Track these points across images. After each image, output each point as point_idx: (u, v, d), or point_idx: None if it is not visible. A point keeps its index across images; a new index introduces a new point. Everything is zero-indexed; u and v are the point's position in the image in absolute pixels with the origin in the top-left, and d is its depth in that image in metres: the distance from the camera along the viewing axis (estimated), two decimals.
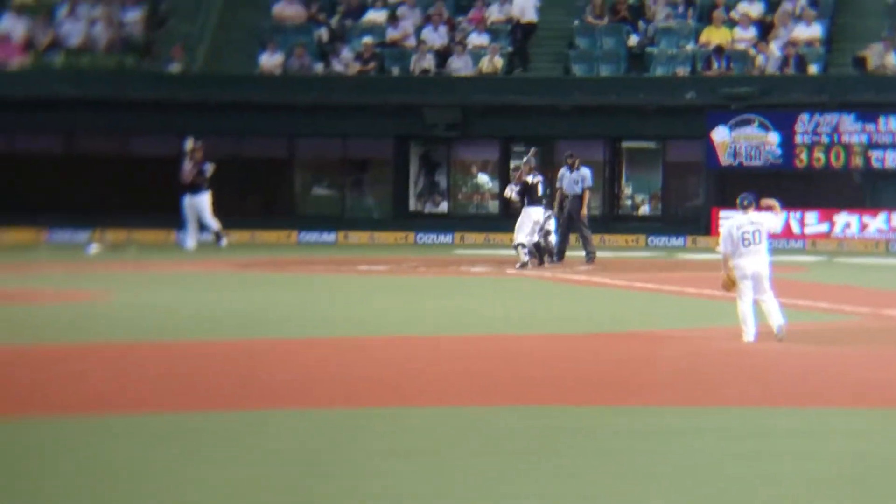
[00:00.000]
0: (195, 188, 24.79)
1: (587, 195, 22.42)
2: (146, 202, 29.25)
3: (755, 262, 12.60)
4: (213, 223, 24.99)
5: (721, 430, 8.74)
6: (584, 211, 22.34)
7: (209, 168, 24.91)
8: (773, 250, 13.38)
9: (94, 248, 25.09)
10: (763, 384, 10.77)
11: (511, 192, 21.57)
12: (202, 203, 24.77)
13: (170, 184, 25.91)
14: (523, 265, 21.01)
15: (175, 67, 30.76)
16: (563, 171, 22.65)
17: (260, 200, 30.48)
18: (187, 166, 25.02)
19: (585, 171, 22.57)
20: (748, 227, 12.65)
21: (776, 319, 12.60)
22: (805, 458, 7.90)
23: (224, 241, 25.08)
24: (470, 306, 16.50)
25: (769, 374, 11.30)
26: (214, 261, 22.93)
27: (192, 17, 31.61)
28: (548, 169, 25.88)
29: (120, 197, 29.75)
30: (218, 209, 25.46)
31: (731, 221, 12.97)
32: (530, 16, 30.34)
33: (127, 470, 7.46)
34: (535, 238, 21.19)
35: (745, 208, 12.77)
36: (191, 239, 25.44)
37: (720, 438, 8.47)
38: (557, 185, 22.55)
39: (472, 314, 15.53)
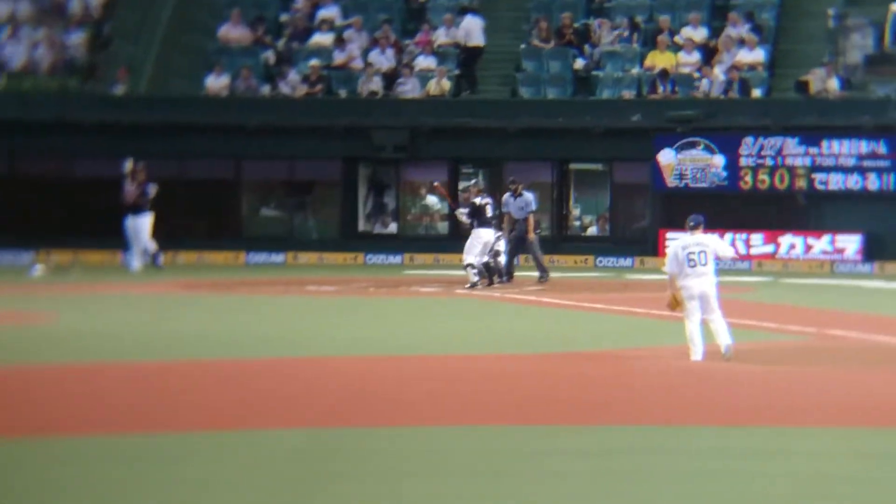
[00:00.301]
0: (137, 209, 24.80)
1: (531, 219, 22.49)
2: (91, 224, 28.96)
3: (701, 283, 12.69)
4: (151, 245, 24.99)
5: (675, 450, 8.78)
6: (532, 235, 22.43)
7: (152, 189, 24.88)
8: (720, 271, 13.49)
9: (39, 270, 24.80)
10: (714, 403, 10.85)
11: (461, 214, 21.66)
12: (143, 224, 24.81)
13: (114, 205, 25.69)
14: (473, 285, 21.05)
15: (119, 89, 30.53)
16: (506, 197, 22.74)
17: (207, 222, 30.28)
18: (129, 187, 24.98)
19: (529, 196, 22.70)
20: (694, 248, 12.75)
21: (724, 339, 12.70)
22: (759, 478, 7.95)
23: (160, 260, 25.03)
24: (421, 326, 16.48)
25: (719, 393, 11.38)
26: (161, 282, 22.74)
27: (137, 39, 31.42)
28: (496, 190, 25.96)
29: (64, 219, 29.45)
30: (165, 231, 25.30)
31: (677, 242, 13.08)
32: (477, 39, 30.50)
33: (85, 492, 7.35)
34: (485, 258, 21.26)
35: (692, 229, 12.88)
36: (136, 260, 25.27)
37: (675, 457, 8.50)
38: (504, 209, 22.65)
39: (424, 334, 15.51)
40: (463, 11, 30.72)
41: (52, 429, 9.26)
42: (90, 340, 14.32)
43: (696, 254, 12.71)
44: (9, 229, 29.09)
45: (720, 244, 13.08)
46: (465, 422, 9.67)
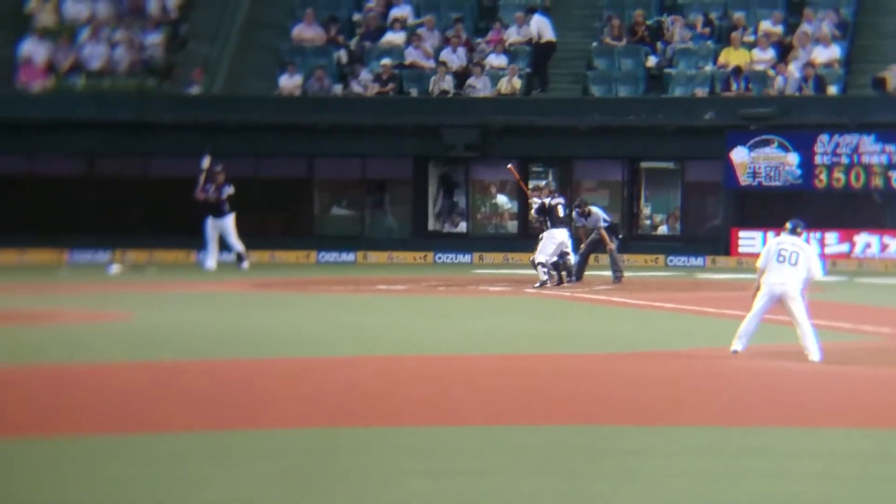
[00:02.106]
0: (218, 211, 25.08)
1: (604, 234, 22.29)
2: (166, 223, 29.39)
3: (784, 283, 12.41)
4: (238, 245, 25.29)
5: (743, 450, 8.72)
6: (611, 245, 22.32)
7: (228, 190, 25.15)
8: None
9: (115, 269, 25.23)
10: (784, 404, 10.74)
11: (533, 203, 21.64)
12: (227, 225, 25.11)
13: (189, 204, 26.04)
14: (542, 284, 21.04)
15: (195, 89, 30.95)
16: (575, 216, 22.61)
17: (279, 221, 30.58)
18: (207, 186, 25.20)
19: (598, 213, 22.61)
20: (788, 246, 12.53)
21: (812, 355, 12.46)
22: (823, 479, 7.88)
23: (245, 264, 25.30)
24: (490, 325, 16.51)
25: (791, 394, 11.27)
26: (234, 281, 23.02)
27: (212, 40, 31.83)
28: (566, 188, 25.86)
29: (140, 217, 29.92)
30: (238, 230, 25.59)
31: (775, 238, 12.93)
32: (549, 36, 30.44)
33: (152, 488, 7.48)
34: (554, 258, 21.24)
35: (794, 233, 12.66)
36: (211, 259, 25.60)
37: (742, 458, 8.45)
38: (577, 225, 22.57)
39: (493, 333, 15.53)
40: (531, 10, 30.65)
41: (133, 426, 9.43)
42: (168, 338, 14.55)
43: (788, 252, 12.48)
44: (87, 228, 29.64)
45: (815, 260, 12.69)
46: (534, 421, 9.68)
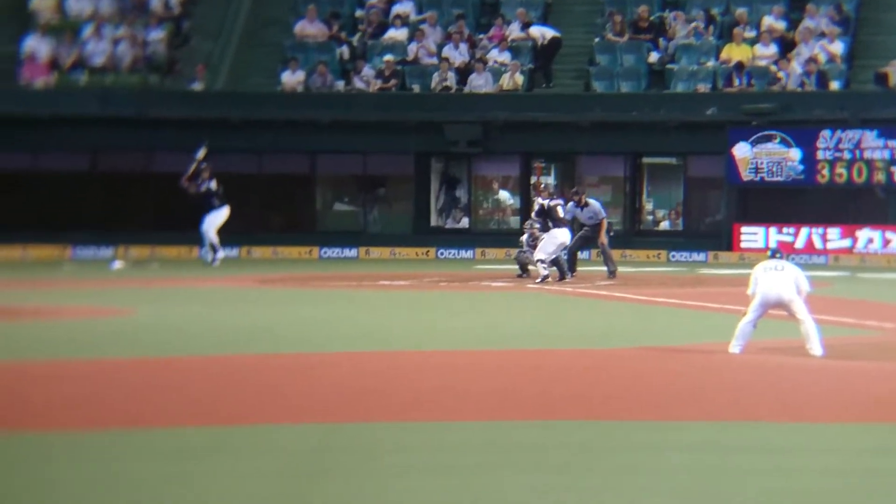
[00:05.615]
0: (208, 205, 25.24)
1: (604, 224, 22.36)
2: (169, 219, 29.44)
3: (776, 287, 12.49)
4: (214, 238, 25.35)
5: (745, 445, 8.75)
6: (604, 239, 22.35)
7: (209, 185, 25.30)
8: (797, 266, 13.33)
9: (118, 265, 25.28)
10: (787, 399, 10.77)
11: (530, 224, 21.69)
12: (215, 218, 25.17)
13: (193, 200, 26.09)
14: (544, 279, 21.08)
15: (198, 85, 30.97)
16: (571, 206, 22.59)
17: (282, 216, 30.63)
18: (201, 184, 25.34)
19: (595, 205, 22.61)
20: (771, 265, 12.73)
21: (815, 349, 12.53)
22: (827, 474, 7.90)
23: (217, 261, 25.31)
24: (492, 321, 16.54)
25: (793, 389, 11.29)
26: (237, 277, 23.05)
27: (215, 36, 31.86)
28: (566, 182, 25.81)
29: (143, 214, 29.96)
30: (240, 225, 25.65)
31: (759, 265, 13.02)
32: (552, 34, 30.43)
33: (148, 484, 7.51)
34: (554, 256, 21.30)
35: (774, 256, 12.82)
36: (217, 254, 25.66)
37: (744, 453, 8.47)
38: (570, 216, 22.58)
39: (495, 329, 15.57)
40: (527, 25, 30.56)
41: (136, 422, 9.46)
42: (171, 334, 14.59)
43: (773, 266, 12.65)
44: (89, 224, 29.69)
45: (801, 274, 12.84)
46: (535, 417, 9.71)
